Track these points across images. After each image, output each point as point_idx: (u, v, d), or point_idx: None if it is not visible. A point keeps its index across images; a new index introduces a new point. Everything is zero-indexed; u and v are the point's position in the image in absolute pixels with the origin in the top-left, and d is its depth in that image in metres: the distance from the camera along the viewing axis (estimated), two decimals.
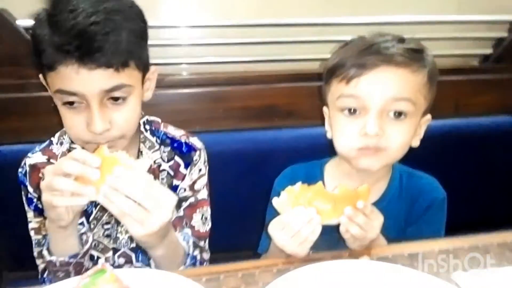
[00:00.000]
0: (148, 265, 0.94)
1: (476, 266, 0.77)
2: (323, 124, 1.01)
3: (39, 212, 0.96)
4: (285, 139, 1.37)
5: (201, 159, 1.03)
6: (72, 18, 0.76)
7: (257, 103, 1.38)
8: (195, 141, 1.04)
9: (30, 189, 0.95)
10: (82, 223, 0.94)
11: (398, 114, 0.87)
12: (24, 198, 0.97)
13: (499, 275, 0.75)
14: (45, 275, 0.90)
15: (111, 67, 0.78)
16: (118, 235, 0.99)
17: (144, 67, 0.87)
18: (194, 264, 0.95)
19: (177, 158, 1.01)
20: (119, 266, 0.98)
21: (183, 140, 1.02)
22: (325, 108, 1.00)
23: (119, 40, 0.78)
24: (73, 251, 0.84)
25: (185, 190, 1.01)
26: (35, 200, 0.96)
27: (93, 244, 0.92)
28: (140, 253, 0.99)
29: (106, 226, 0.98)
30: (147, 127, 1.01)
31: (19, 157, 0.99)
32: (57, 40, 0.76)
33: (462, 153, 1.44)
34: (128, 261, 1.00)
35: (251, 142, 1.37)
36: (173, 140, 1.02)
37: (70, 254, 0.83)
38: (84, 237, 0.86)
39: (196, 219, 1.01)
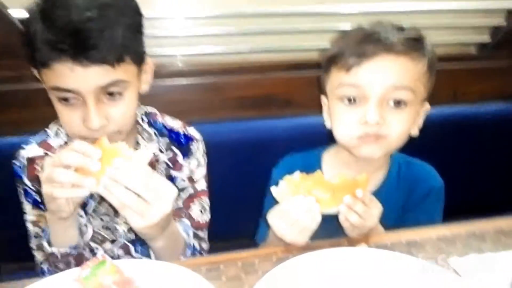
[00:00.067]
0: (148, 256, 0.94)
1: (472, 252, 0.78)
2: (320, 113, 1.01)
3: (37, 204, 0.95)
4: (283, 129, 1.36)
5: (199, 150, 1.03)
6: (66, 14, 0.74)
7: (255, 92, 1.37)
8: (193, 131, 1.04)
9: (27, 181, 0.95)
10: (80, 215, 0.94)
11: (398, 103, 0.87)
12: (20, 191, 0.97)
13: (495, 260, 0.75)
14: (44, 266, 0.90)
15: (106, 64, 0.77)
16: (117, 226, 0.99)
17: (140, 60, 0.86)
18: (193, 254, 0.96)
19: (175, 149, 1.01)
20: (118, 258, 0.99)
21: (181, 131, 1.02)
22: (323, 98, 1.00)
23: (114, 36, 0.77)
24: (73, 242, 0.84)
25: (183, 180, 1.01)
26: (32, 192, 0.95)
27: (91, 235, 0.92)
28: (139, 244, 1.00)
29: (104, 218, 0.98)
30: (144, 118, 1.01)
31: (18, 149, 0.98)
32: (51, 38, 0.74)
33: (459, 140, 1.45)
34: (127, 252, 1.00)
35: (249, 132, 1.36)
36: (170, 131, 1.02)
37: (71, 245, 0.84)
38: (84, 228, 0.86)
39: (195, 210, 1.02)
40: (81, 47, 0.74)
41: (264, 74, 1.37)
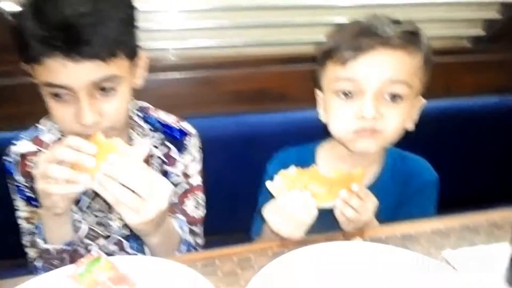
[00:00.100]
0: (142, 252, 0.94)
1: (466, 244, 0.79)
2: (315, 108, 1.01)
3: (29, 201, 0.94)
4: (277, 123, 1.36)
5: (194, 145, 1.02)
6: (58, 10, 0.73)
7: (249, 86, 1.37)
8: (187, 126, 1.03)
9: (20, 178, 0.94)
10: (74, 212, 0.93)
11: (394, 97, 0.87)
12: (11, 187, 0.96)
13: (488, 252, 0.76)
14: (37, 263, 0.89)
15: (99, 59, 0.75)
16: (111, 222, 0.98)
17: (133, 54, 0.85)
18: (189, 250, 0.95)
19: (169, 144, 1.00)
20: (112, 254, 0.98)
21: (175, 126, 1.01)
22: (318, 92, 1.00)
23: (107, 31, 0.75)
24: (68, 239, 0.83)
25: (178, 176, 1.01)
26: (24, 188, 0.94)
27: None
28: (133, 240, 0.99)
29: (98, 214, 0.97)
30: (138, 113, 1.00)
31: (9, 145, 0.97)
32: (43, 33, 0.73)
33: (453, 133, 1.45)
34: (121, 249, 1.00)
35: (243, 126, 1.36)
36: (164, 125, 1.01)
37: (66, 241, 0.83)
38: (78, 224, 0.85)
39: (190, 205, 1.01)
40: (74, 42, 0.73)
41: (259, 68, 1.37)
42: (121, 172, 0.70)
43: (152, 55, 0.95)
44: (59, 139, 0.95)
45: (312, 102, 1.02)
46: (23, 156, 0.94)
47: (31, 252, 0.92)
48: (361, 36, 0.87)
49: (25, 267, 0.93)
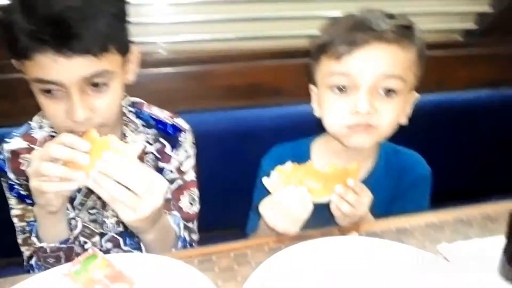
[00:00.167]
0: (137, 248, 0.93)
1: (460, 238, 0.80)
2: (309, 102, 1.01)
3: (22, 198, 0.93)
4: (271, 118, 1.35)
5: (187, 141, 1.02)
6: (46, 3, 0.71)
7: (242, 81, 1.36)
8: (180, 122, 1.02)
9: (11, 175, 0.92)
10: (67, 209, 0.92)
11: (388, 92, 0.87)
12: (4, 185, 0.95)
13: (482, 245, 0.77)
14: (32, 262, 0.88)
15: (90, 54, 0.74)
16: (105, 219, 0.97)
17: (124, 49, 0.84)
18: (184, 246, 0.95)
19: (162, 140, 0.99)
20: (107, 251, 0.98)
21: (168, 122, 1.01)
22: (312, 86, 1.00)
23: (98, 25, 0.74)
24: (63, 237, 0.83)
25: (171, 172, 1.00)
26: (16, 186, 0.93)
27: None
28: (128, 237, 0.99)
29: (91, 211, 0.96)
30: (131, 109, 0.99)
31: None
32: (31, 28, 0.71)
33: (446, 127, 1.46)
34: (116, 245, 0.99)
35: (236, 121, 1.35)
36: (158, 121, 1.00)
37: (61, 239, 0.82)
38: (73, 222, 0.84)
39: (184, 201, 1.01)
40: (63, 37, 0.71)
41: (252, 62, 1.36)
42: (116, 169, 0.69)
43: (143, 50, 0.94)
44: (51, 135, 0.94)
45: (306, 96, 1.02)
46: (14, 153, 0.92)
47: (26, 251, 0.91)
48: (355, 30, 0.87)
49: (21, 266, 0.92)
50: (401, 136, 0.96)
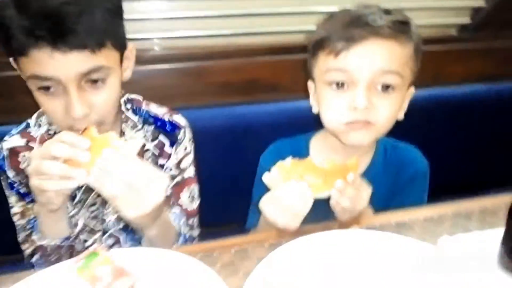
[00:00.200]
0: (138, 245, 0.93)
1: (459, 231, 0.80)
2: (307, 98, 1.01)
3: (21, 196, 0.93)
4: (269, 114, 1.36)
5: (186, 137, 1.02)
6: None
7: (239, 77, 1.36)
8: (179, 118, 1.02)
9: (10, 173, 0.92)
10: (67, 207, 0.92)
11: (386, 87, 0.87)
12: (3, 183, 0.94)
13: (481, 238, 0.78)
14: (33, 259, 0.88)
15: (86, 49, 0.74)
16: (105, 217, 0.97)
17: (121, 45, 0.83)
18: (185, 242, 0.95)
19: (161, 137, 0.99)
20: (108, 248, 0.97)
21: (166, 119, 1.00)
22: (310, 82, 1.00)
23: (93, 20, 0.74)
24: (64, 234, 0.83)
25: (171, 169, 1.00)
26: (16, 184, 0.93)
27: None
28: (129, 234, 0.99)
29: (91, 209, 0.96)
30: (129, 106, 0.99)
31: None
32: (26, 24, 0.71)
33: (441, 121, 1.47)
34: (117, 242, 0.99)
35: (234, 118, 1.35)
36: (156, 118, 1.00)
37: (62, 237, 0.82)
38: (74, 219, 0.84)
39: (184, 198, 1.01)
40: (58, 32, 0.71)
41: (249, 58, 1.36)
42: (116, 166, 0.69)
43: (139, 47, 0.93)
44: (49, 134, 0.93)
45: (303, 92, 1.02)
46: (13, 151, 0.92)
47: (27, 249, 0.90)
48: (352, 26, 0.87)
49: (21, 263, 0.91)
50: (397, 131, 0.97)
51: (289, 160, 0.80)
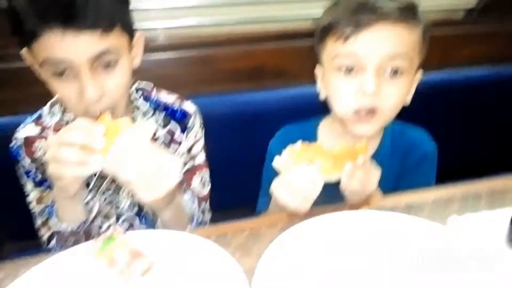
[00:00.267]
0: (153, 228, 0.95)
1: (469, 211, 0.81)
2: (314, 83, 1.01)
3: (37, 184, 0.95)
4: (276, 99, 1.36)
5: (196, 124, 1.03)
6: None
7: (246, 64, 1.36)
8: (189, 106, 1.03)
9: (26, 161, 0.94)
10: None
11: (395, 72, 0.88)
12: (19, 171, 0.96)
13: (490, 217, 0.79)
14: (51, 244, 0.90)
15: (96, 30, 0.76)
16: (119, 203, 0.99)
17: (129, 30, 0.85)
18: (198, 226, 0.97)
19: (172, 124, 1.01)
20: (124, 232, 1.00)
21: (176, 106, 1.02)
22: (317, 68, 1.00)
23: (102, 2, 0.76)
24: (81, 219, 0.85)
25: (183, 155, 1.01)
26: (31, 172, 0.95)
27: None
28: (142, 219, 1.01)
29: (106, 195, 0.98)
30: (139, 94, 1.00)
31: (6, 130, 0.98)
32: (37, 7, 0.73)
33: (449, 104, 1.47)
34: (131, 227, 1.01)
35: (241, 104, 1.36)
36: (166, 106, 1.01)
37: (79, 221, 0.84)
38: (89, 205, 0.86)
39: (196, 183, 1.03)
40: (69, 12, 0.73)
41: (256, 45, 1.36)
42: (131, 151, 0.71)
43: (147, 35, 0.94)
44: (62, 122, 0.95)
45: (311, 78, 1.03)
46: (28, 140, 0.94)
47: (44, 234, 0.93)
48: (360, 11, 0.87)
49: (39, 248, 0.94)
50: (405, 114, 0.97)
51: (298, 144, 0.81)
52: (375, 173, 0.85)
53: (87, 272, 0.68)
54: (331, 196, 0.86)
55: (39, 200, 0.95)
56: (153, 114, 1.00)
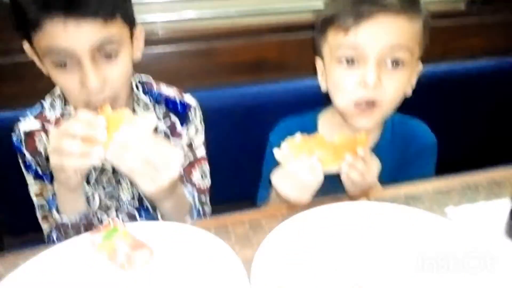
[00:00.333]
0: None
1: (467, 202, 0.82)
2: (315, 76, 1.01)
3: (39, 176, 0.96)
4: (277, 92, 1.36)
5: (196, 117, 1.03)
6: None
7: (246, 57, 1.36)
8: (189, 99, 1.04)
9: (27, 154, 0.95)
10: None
11: (396, 64, 0.88)
12: (21, 164, 0.97)
13: (488, 208, 0.79)
14: (52, 236, 0.91)
15: (98, 18, 0.76)
16: (120, 194, 1.00)
17: (130, 21, 0.86)
18: (199, 217, 0.98)
19: (172, 118, 1.01)
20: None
21: (177, 99, 1.02)
22: (318, 60, 1.00)
23: None
24: (82, 212, 0.85)
25: (183, 148, 1.02)
26: (33, 165, 0.96)
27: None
28: (144, 212, 1.01)
29: (106, 187, 0.99)
30: (140, 87, 1.00)
31: (7, 124, 0.98)
32: None
33: (449, 96, 1.47)
34: (132, 219, 1.02)
35: (242, 97, 1.36)
36: (167, 99, 1.02)
37: (80, 214, 0.85)
38: (91, 197, 0.87)
39: (196, 176, 1.03)
40: (71, 2, 0.74)
41: (256, 37, 1.36)
42: (133, 142, 0.71)
43: (147, 29, 0.95)
44: (63, 114, 0.95)
45: (311, 70, 1.03)
46: (29, 133, 0.95)
47: (46, 226, 0.94)
48: (362, 2, 0.87)
49: (40, 241, 0.94)
50: (405, 106, 0.98)
51: (298, 136, 0.82)
52: (375, 165, 0.85)
53: (86, 263, 0.69)
54: (331, 187, 0.87)
55: (41, 193, 0.95)
56: (154, 107, 1.00)
